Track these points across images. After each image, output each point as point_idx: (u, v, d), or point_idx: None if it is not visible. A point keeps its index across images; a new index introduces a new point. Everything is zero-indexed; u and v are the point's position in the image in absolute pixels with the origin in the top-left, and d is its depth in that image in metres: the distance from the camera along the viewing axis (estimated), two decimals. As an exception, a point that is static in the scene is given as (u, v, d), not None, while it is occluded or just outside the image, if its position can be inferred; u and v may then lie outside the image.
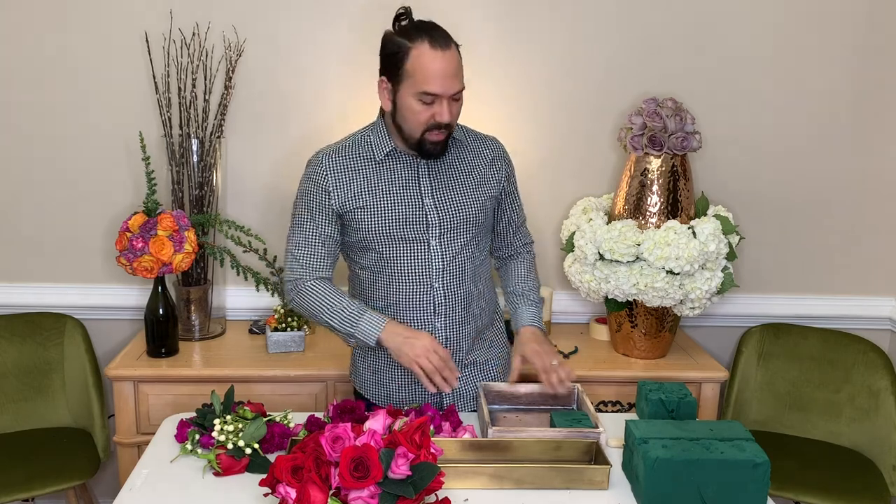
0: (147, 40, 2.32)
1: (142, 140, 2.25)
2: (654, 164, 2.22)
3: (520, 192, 1.95)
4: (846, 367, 2.49)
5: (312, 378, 2.18)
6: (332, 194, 1.73)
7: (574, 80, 2.46)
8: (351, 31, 2.40)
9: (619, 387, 2.24)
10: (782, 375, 2.54)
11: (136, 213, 2.15)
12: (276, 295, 2.39)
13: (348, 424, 1.38)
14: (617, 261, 2.18)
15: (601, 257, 2.21)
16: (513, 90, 2.43)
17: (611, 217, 2.31)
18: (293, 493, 1.31)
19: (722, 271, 2.22)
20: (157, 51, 2.33)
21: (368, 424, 1.42)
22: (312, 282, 1.75)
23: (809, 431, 2.50)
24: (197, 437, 1.57)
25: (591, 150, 2.52)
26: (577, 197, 2.49)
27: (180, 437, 1.61)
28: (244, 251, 2.38)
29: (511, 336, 1.92)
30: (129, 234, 2.13)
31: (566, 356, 2.32)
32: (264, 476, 1.41)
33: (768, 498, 1.44)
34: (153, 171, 2.22)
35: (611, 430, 1.71)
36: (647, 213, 2.23)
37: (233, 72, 2.34)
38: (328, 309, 1.73)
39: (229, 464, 1.52)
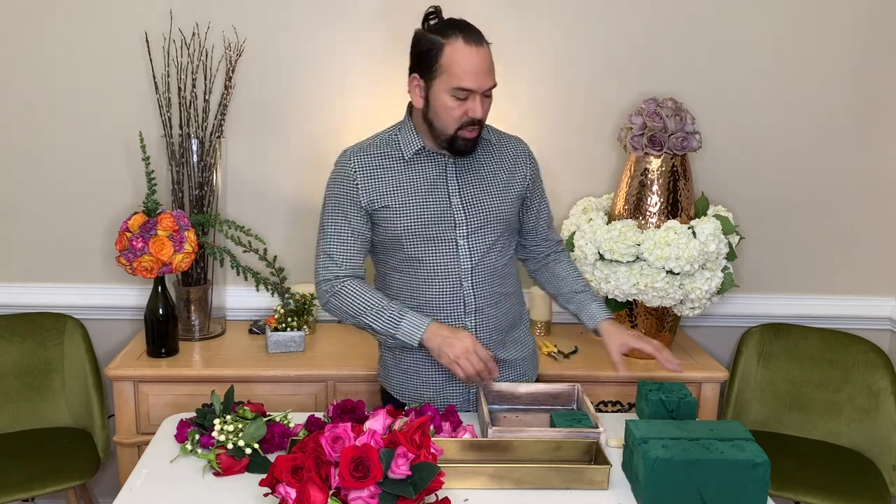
0: (147, 40, 2.32)
1: (142, 140, 2.25)
2: (654, 164, 2.22)
3: None
4: (846, 367, 2.49)
5: (312, 378, 2.18)
6: (361, 192, 1.73)
7: (574, 80, 2.46)
8: (351, 31, 2.40)
9: (619, 387, 2.24)
10: (782, 375, 2.54)
11: (136, 213, 2.15)
12: (275, 295, 2.39)
13: (348, 424, 1.38)
14: (617, 261, 2.18)
15: (601, 257, 2.21)
16: (513, 90, 2.43)
17: (611, 217, 2.31)
18: (293, 493, 1.31)
19: (722, 271, 2.22)
20: (157, 51, 2.33)
21: (368, 424, 1.42)
22: (350, 281, 1.74)
23: (809, 431, 2.50)
24: (197, 437, 1.57)
25: (591, 150, 2.52)
26: (577, 197, 2.49)
27: (180, 437, 1.61)
28: (244, 251, 2.38)
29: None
30: (129, 234, 2.13)
31: (566, 356, 2.32)
32: (264, 476, 1.41)
33: (768, 498, 1.44)
34: (153, 171, 2.22)
35: (611, 430, 1.71)
36: (647, 213, 2.23)
37: (233, 72, 2.34)
38: (368, 309, 1.71)
39: (229, 464, 1.52)
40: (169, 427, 1.69)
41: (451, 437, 1.60)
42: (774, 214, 2.60)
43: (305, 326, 2.31)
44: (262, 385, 2.16)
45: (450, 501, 1.37)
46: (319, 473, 1.32)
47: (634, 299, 2.23)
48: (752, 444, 1.45)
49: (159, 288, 2.21)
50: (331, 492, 1.31)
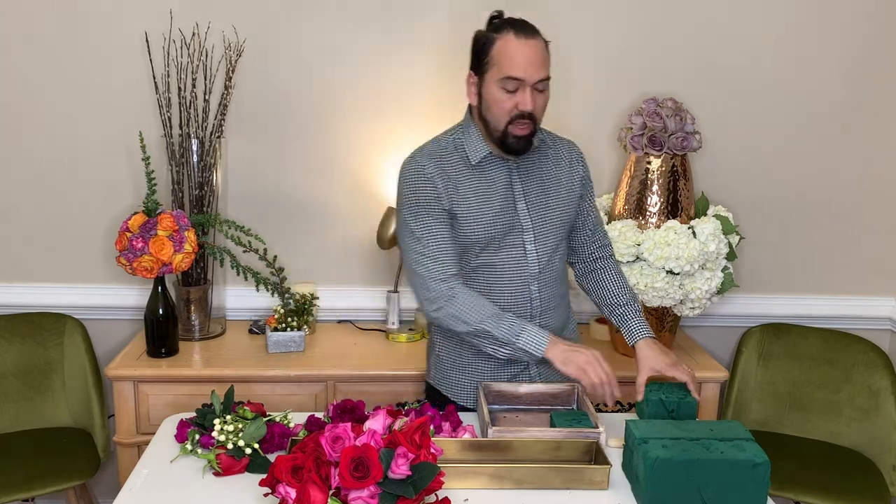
0: (147, 40, 2.32)
1: (142, 140, 2.25)
2: (654, 164, 2.22)
3: None
4: (846, 367, 2.49)
5: (312, 378, 2.18)
6: (442, 195, 1.72)
7: (574, 79, 2.46)
8: (351, 31, 2.40)
9: (620, 387, 2.23)
10: (782, 375, 2.54)
11: (136, 213, 2.15)
12: (275, 295, 2.39)
13: (348, 424, 1.38)
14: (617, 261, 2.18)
15: (601, 257, 2.21)
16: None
17: (611, 217, 2.31)
18: (293, 493, 1.31)
19: (722, 271, 2.22)
20: (157, 51, 2.33)
21: (368, 424, 1.42)
22: (461, 287, 1.71)
23: (809, 431, 2.50)
24: (197, 437, 1.57)
25: (591, 150, 2.50)
26: (577, 197, 2.49)
27: (180, 437, 1.61)
28: (244, 251, 2.38)
29: None
30: (129, 234, 2.13)
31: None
32: (264, 476, 1.41)
33: (768, 498, 1.44)
34: (153, 171, 2.22)
35: (611, 430, 1.71)
36: (648, 213, 2.23)
37: (233, 72, 2.34)
38: (489, 317, 1.68)
39: (229, 464, 1.52)
40: (169, 427, 1.69)
41: (451, 437, 1.60)
42: (774, 214, 2.60)
43: (305, 326, 2.31)
44: (262, 385, 2.16)
45: (450, 501, 1.37)
46: (319, 473, 1.32)
47: (634, 299, 2.23)
48: (752, 444, 1.45)
49: (159, 288, 2.21)
50: (331, 492, 1.31)
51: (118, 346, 2.49)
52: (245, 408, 1.62)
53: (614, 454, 1.61)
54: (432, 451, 1.37)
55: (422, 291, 1.73)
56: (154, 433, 1.70)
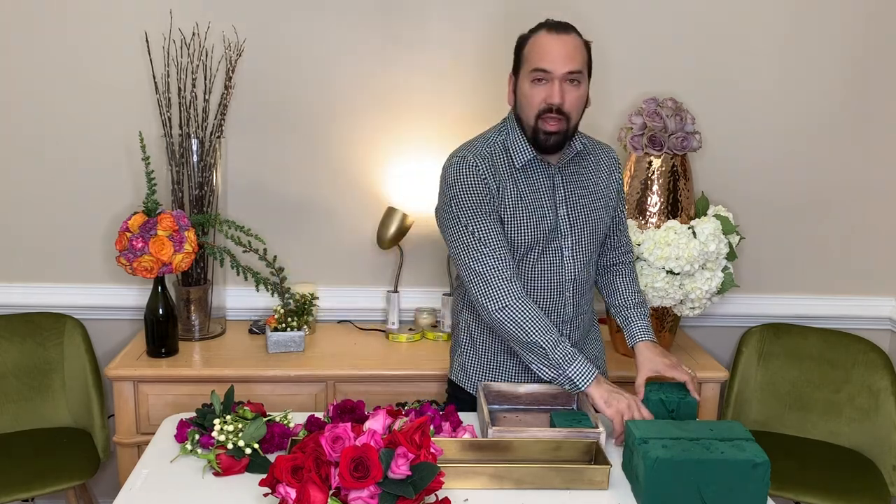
0: (147, 40, 2.32)
1: (142, 140, 2.25)
2: (655, 164, 2.22)
3: None
4: (846, 367, 2.49)
5: (312, 378, 2.18)
6: (493, 195, 1.71)
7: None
8: (350, 31, 2.40)
9: (620, 387, 2.23)
10: (782, 375, 2.54)
11: (135, 213, 2.15)
12: (275, 295, 2.39)
13: (348, 424, 1.38)
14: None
15: (601, 257, 2.21)
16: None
17: (611, 217, 2.31)
18: (293, 493, 1.31)
19: (722, 271, 2.22)
20: (157, 51, 2.33)
21: (368, 424, 1.42)
22: (527, 295, 1.71)
23: (809, 431, 2.50)
24: (197, 437, 1.57)
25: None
26: (577, 197, 2.49)
27: (180, 437, 1.61)
28: (244, 251, 2.38)
29: None
30: (129, 234, 2.13)
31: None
32: (264, 476, 1.41)
33: (768, 498, 1.44)
34: (153, 171, 2.22)
35: (611, 430, 1.71)
36: (648, 213, 2.23)
37: (233, 72, 2.34)
38: (550, 337, 1.67)
39: (229, 464, 1.52)
40: (169, 427, 1.69)
41: (451, 437, 1.60)
42: (774, 214, 2.60)
43: (305, 326, 2.31)
44: (262, 385, 2.16)
45: (450, 501, 1.37)
46: (319, 473, 1.32)
47: (634, 299, 2.23)
48: (752, 444, 1.45)
49: (159, 288, 2.21)
50: (331, 492, 1.31)
51: (118, 346, 2.49)
52: (245, 408, 1.62)
53: (614, 454, 1.61)
54: (432, 451, 1.37)
55: (484, 289, 1.70)
56: (154, 433, 1.70)
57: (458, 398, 1.90)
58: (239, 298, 2.53)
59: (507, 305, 1.68)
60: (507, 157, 1.75)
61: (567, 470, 1.48)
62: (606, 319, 2.45)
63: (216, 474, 1.51)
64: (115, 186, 2.45)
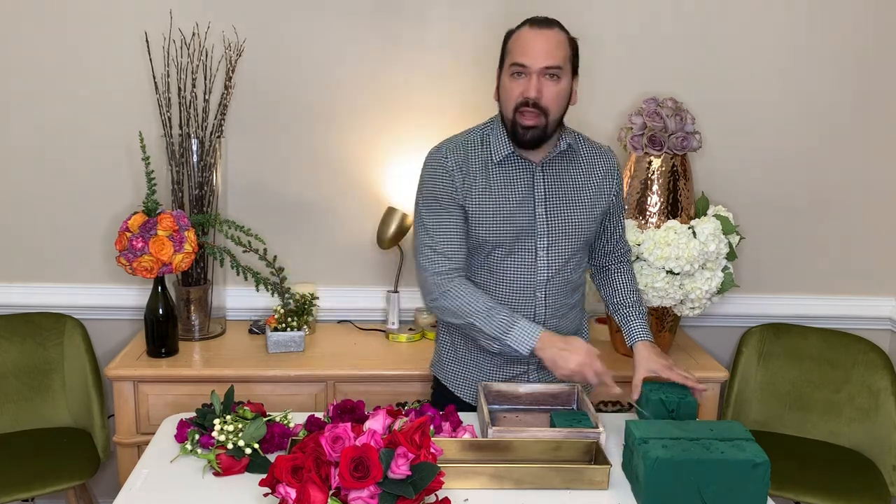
0: (147, 40, 2.32)
1: (142, 140, 2.25)
2: (655, 164, 2.22)
3: None
4: (846, 367, 2.49)
5: (312, 378, 2.18)
6: (458, 188, 1.72)
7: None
8: (351, 31, 2.40)
9: (620, 387, 2.23)
10: (782, 375, 2.54)
11: (135, 213, 2.15)
12: (275, 295, 2.39)
13: (348, 424, 1.38)
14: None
15: (601, 257, 2.21)
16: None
17: (611, 217, 2.31)
18: (293, 493, 1.31)
19: (722, 271, 2.22)
20: (157, 51, 2.33)
21: (368, 424, 1.42)
22: (459, 281, 1.72)
23: (809, 431, 2.50)
24: (197, 437, 1.57)
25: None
26: (577, 197, 2.49)
27: (180, 437, 1.61)
28: (244, 251, 2.38)
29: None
30: (128, 234, 2.13)
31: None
32: (264, 476, 1.41)
33: (768, 498, 1.44)
34: (153, 171, 2.22)
35: (611, 430, 1.71)
36: (648, 213, 2.23)
37: (233, 72, 2.34)
38: (478, 312, 1.69)
39: (229, 464, 1.52)
40: (169, 427, 1.69)
41: (451, 437, 1.60)
42: (774, 214, 2.60)
43: (305, 326, 2.31)
44: (262, 385, 2.16)
45: (450, 501, 1.37)
46: (319, 473, 1.32)
47: (634, 299, 2.23)
48: (752, 444, 1.45)
49: (159, 288, 2.21)
50: (331, 492, 1.31)
51: (118, 346, 2.49)
52: (245, 408, 1.62)
53: (614, 454, 1.61)
54: (432, 451, 1.37)
55: (422, 282, 1.75)
56: (154, 433, 1.70)
57: (439, 393, 1.93)
58: (239, 298, 2.53)
59: (436, 297, 1.73)
60: (485, 150, 1.74)
61: (567, 470, 1.48)
62: (606, 319, 2.45)
63: (216, 474, 1.52)
64: (115, 186, 2.45)
